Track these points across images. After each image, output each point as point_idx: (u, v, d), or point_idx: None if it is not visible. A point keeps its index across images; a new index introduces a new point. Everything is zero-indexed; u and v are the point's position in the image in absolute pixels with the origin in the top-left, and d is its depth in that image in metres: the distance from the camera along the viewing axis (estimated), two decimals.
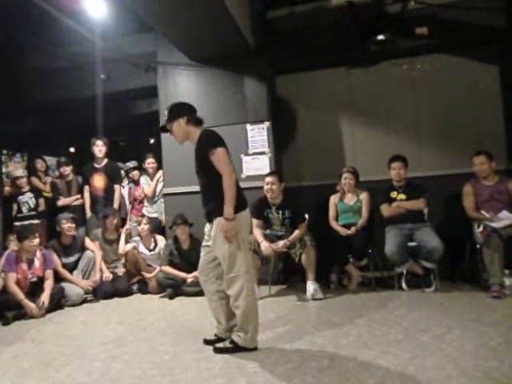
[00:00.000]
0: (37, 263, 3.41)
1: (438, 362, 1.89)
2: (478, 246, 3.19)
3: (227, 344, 2.18)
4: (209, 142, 2.13)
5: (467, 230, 3.33)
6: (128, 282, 3.90)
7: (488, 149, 3.40)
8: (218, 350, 2.18)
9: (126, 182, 4.87)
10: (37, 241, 3.41)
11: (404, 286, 3.29)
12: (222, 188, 2.09)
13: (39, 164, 4.88)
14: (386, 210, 3.48)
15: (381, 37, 3.85)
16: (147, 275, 3.89)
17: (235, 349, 2.15)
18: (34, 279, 3.39)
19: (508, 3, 3.78)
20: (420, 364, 1.88)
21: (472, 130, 4.04)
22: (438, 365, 1.86)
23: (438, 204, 3.72)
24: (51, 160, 5.39)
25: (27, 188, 4.41)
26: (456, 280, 3.40)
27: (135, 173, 4.68)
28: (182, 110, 2.22)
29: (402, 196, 3.47)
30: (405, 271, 3.30)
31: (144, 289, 3.87)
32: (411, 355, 1.97)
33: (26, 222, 4.22)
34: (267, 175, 3.48)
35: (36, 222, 4.27)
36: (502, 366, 1.80)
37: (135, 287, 3.93)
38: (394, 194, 3.50)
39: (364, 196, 3.61)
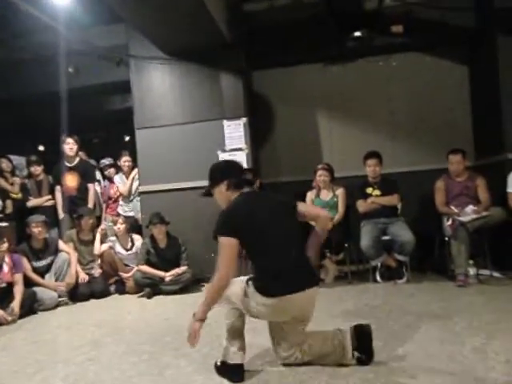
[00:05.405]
0: (5, 268, 3.26)
1: (407, 348, 1.99)
2: (446, 239, 3.36)
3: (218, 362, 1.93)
4: (216, 226, 1.85)
5: (437, 224, 3.49)
6: (105, 283, 3.83)
7: (458, 145, 3.53)
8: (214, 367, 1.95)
9: (102, 180, 4.71)
10: (5, 246, 3.27)
11: (378, 278, 3.41)
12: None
13: (4, 164, 4.60)
14: (361, 205, 3.57)
15: (357, 33, 3.91)
16: (124, 275, 3.82)
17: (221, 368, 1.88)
18: (3, 285, 3.24)
19: (477, 3, 3.91)
20: (391, 350, 1.97)
21: (443, 128, 4.20)
22: (407, 351, 1.96)
23: (410, 199, 3.83)
24: (17, 159, 5.09)
25: None
26: (426, 271, 3.56)
27: (111, 170, 4.55)
28: (223, 175, 1.96)
29: (377, 192, 3.57)
30: (379, 264, 3.42)
31: (122, 289, 3.81)
32: (383, 343, 2.05)
33: None
34: None
35: (4, 224, 4.08)
36: (464, 349, 1.93)
37: (113, 288, 3.86)
38: (369, 190, 3.60)
39: (340, 192, 3.69)
